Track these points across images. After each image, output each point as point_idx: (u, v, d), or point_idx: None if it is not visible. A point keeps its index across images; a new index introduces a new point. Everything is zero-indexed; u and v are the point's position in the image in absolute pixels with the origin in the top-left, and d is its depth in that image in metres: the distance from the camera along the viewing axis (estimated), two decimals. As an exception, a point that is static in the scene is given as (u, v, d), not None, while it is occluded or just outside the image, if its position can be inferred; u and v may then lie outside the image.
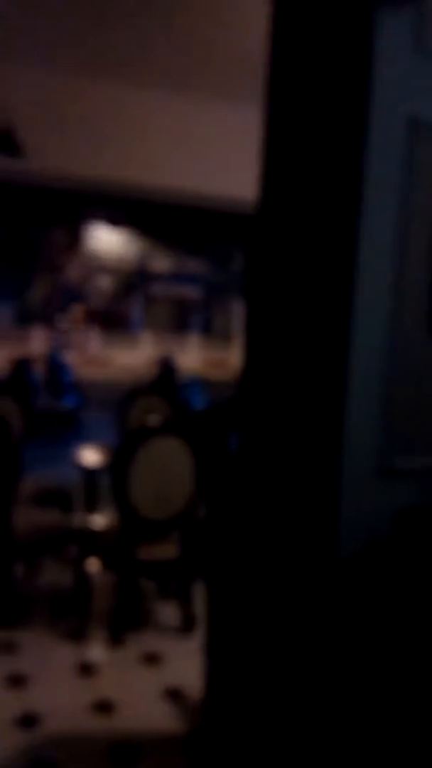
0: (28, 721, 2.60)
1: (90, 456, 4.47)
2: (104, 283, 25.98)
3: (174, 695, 2.85)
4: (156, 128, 4.46)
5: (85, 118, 4.20)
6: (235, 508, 2.26)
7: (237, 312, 27.04)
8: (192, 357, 20.12)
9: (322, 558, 1.87)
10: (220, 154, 4.58)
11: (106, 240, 22.01)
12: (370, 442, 1.85)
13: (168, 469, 3.25)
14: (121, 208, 5.43)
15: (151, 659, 3.14)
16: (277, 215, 2.11)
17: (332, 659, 1.88)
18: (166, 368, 11.22)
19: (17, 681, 2.88)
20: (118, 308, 26.97)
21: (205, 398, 10.03)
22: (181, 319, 26.20)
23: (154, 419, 4.06)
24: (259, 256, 2.14)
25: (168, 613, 3.57)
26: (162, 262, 24.64)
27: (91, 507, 4.38)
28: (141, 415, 4.73)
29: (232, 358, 21.62)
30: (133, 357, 21.23)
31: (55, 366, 10.58)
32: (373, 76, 1.74)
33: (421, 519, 1.87)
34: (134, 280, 26.05)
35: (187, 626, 3.38)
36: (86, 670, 3.01)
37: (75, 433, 9.76)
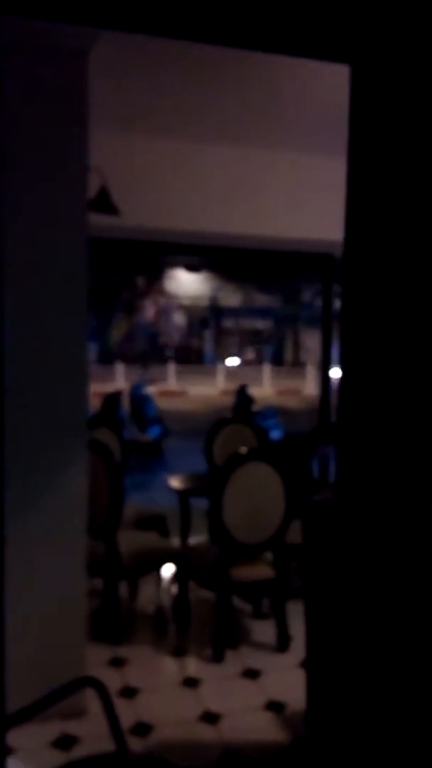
0: (142, 729, 2.74)
1: (182, 483, 4.65)
2: (179, 320, 26.62)
3: (275, 708, 2.92)
4: (230, 180, 4.70)
5: (168, 175, 4.49)
6: (332, 531, 2.35)
7: (306, 343, 27.06)
8: (265, 387, 20.24)
9: (416, 579, 1.93)
10: (289, 200, 4.76)
11: (182, 280, 22.63)
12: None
13: (260, 494, 3.37)
14: (197, 254, 5.65)
15: (251, 674, 3.22)
16: (366, 253, 2.21)
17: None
18: (243, 397, 11.38)
19: (129, 693, 3.03)
20: (192, 343, 27.51)
21: (281, 426, 10.11)
22: (253, 351, 26.42)
23: (245, 447, 4.19)
24: (352, 290, 2.25)
25: (262, 631, 3.65)
26: (234, 298, 25.03)
27: (186, 530, 4.54)
28: (227, 443, 4.88)
29: (303, 386, 21.64)
30: (207, 388, 21.56)
31: (139, 399, 10.93)
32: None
33: None
34: (207, 315, 26.56)
35: (282, 644, 3.45)
36: (191, 684, 3.13)
37: (159, 461, 10.03)
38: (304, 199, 4.68)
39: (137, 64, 3.42)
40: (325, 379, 5.29)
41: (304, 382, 21.88)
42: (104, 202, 3.83)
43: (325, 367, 5.32)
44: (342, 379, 2.32)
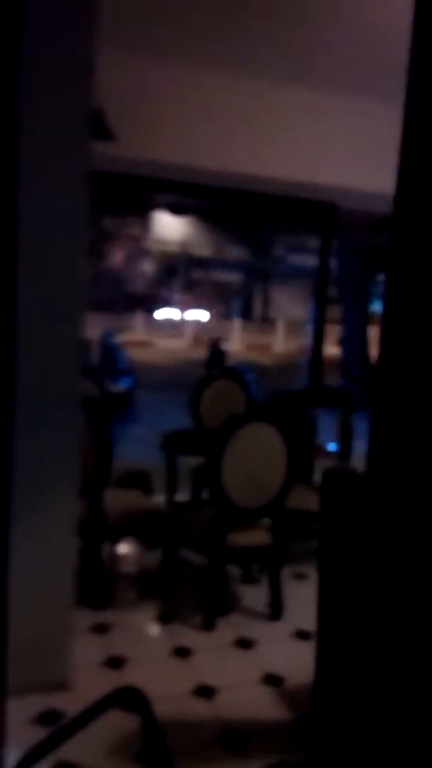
0: (141, 701, 2.55)
1: (167, 440, 4.41)
2: (147, 268, 25.94)
3: (272, 681, 2.78)
4: (229, 113, 4.29)
5: (162, 102, 4.08)
6: (356, 504, 2.15)
7: (276, 298, 26.78)
8: (234, 342, 20.00)
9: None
10: (293, 140, 4.40)
11: (153, 225, 21.89)
12: None
13: (260, 457, 3.15)
14: (188, 193, 5.26)
15: (244, 644, 3.07)
16: (423, 207, 1.95)
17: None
18: (216, 352, 11.13)
19: (116, 663, 2.84)
20: (159, 292, 26.94)
21: (258, 383, 9.92)
22: (222, 304, 26.03)
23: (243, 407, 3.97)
24: (403, 250, 1.99)
25: (253, 597, 3.50)
26: (206, 249, 24.45)
27: (173, 490, 4.33)
28: (215, 400, 4.65)
29: (273, 343, 21.46)
30: (176, 340, 21.20)
31: (109, 349, 10.57)
32: None
33: None
34: (176, 264, 25.94)
35: (275, 612, 3.30)
36: (182, 654, 2.95)
37: (130, 413, 9.77)
38: (310, 141, 4.33)
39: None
40: (318, 338, 5.06)
41: (273, 338, 21.70)
42: (98, 126, 3.43)
43: (319, 327, 5.08)
44: (382, 347, 2.09)
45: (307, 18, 3.33)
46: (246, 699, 2.65)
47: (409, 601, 1.94)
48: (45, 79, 2.30)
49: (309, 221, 4.93)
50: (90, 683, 2.64)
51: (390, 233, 2.00)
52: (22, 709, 2.42)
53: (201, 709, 2.57)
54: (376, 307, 13.71)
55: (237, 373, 5.60)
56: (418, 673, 1.91)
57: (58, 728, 1.52)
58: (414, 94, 1.94)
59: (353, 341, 11.55)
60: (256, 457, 3.14)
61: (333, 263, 10.96)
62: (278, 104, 4.26)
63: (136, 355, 13.86)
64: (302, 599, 3.42)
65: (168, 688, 2.68)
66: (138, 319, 21.50)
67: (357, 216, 6.00)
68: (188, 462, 4.47)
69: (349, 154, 4.26)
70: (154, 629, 3.18)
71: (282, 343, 21.02)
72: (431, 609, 1.87)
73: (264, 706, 2.62)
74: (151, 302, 25.00)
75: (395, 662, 1.99)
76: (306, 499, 3.67)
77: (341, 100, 4.18)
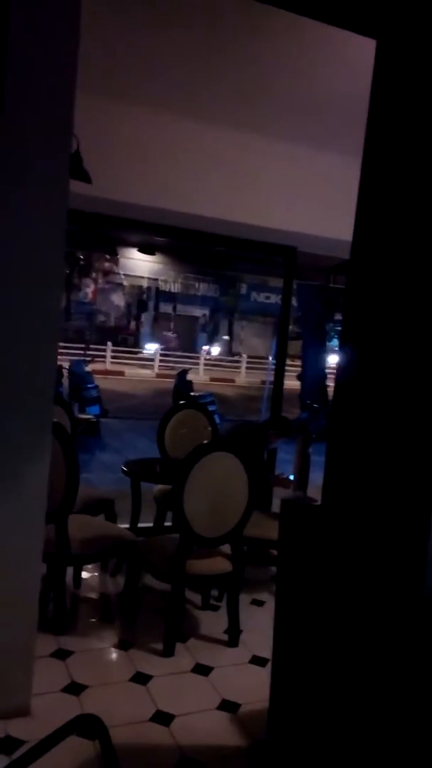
0: (101, 728, 2.46)
1: (133, 467, 4.36)
2: (118, 301, 25.95)
3: (229, 708, 2.72)
4: (201, 160, 4.38)
5: (139, 147, 4.14)
6: (313, 534, 2.16)
7: (240, 334, 27.01)
8: (200, 374, 20.03)
9: (407, 591, 1.77)
10: (260, 188, 4.51)
11: (125, 261, 21.99)
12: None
13: (223, 486, 3.14)
14: (158, 234, 5.31)
15: (202, 671, 3.00)
16: (376, 255, 2.01)
17: (412, 684, 1.77)
18: (183, 382, 11.13)
19: (75, 689, 2.75)
20: (130, 325, 26.93)
21: (220, 413, 9.93)
22: (189, 338, 26.14)
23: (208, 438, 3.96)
24: (358, 292, 2.05)
25: (211, 624, 3.45)
26: (174, 284, 24.61)
27: (137, 517, 4.27)
28: (179, 429, 4.63)
29: (237, 376, 21.57)
30: (144, 371, 21.14)
31: (79, 377, 10.48)
32: None
33: None
34: (146, 298, 26.03)
35: (233, 638, 3.25)
36: (141, 680, 2.87)
37: (97, 441, 9.65)
38: (274, 188, 4.44)
39: (127, 24, 3.08)
40: (279, 372, 5.11)
41: (237, 372, 21.83)
42: (76, 168, 3.46)
43: (279, 361, 5.13)
44: (338, 381, 2.12)
45: (274, 72, 3.45)
46: (203, 725, 2.59)
47: (361, 626, 1.94)
48: (28, 122, 2.32)
49: (272, 263, 5.02)
50: (50, 709, 2.55)
51: (347, 276, 2.05)
52: (-21, 737, 2.32)
53: (159, 735, 2.50)
54: (334, 343, 13.98)
55: (202, 404, 5.61)
56: (372, 697, 1.90)
57: (19, 756, 1.46)
58: (370, 149, 2.02)
59: (312, 375, 11.73)
60: (218, 486, 3.13)
61: (295, 302, 11.18)
62: (245, 152, 4.37)
63: (105, 384, 13.76)
64: (259, 625, 3.39)
65: (126, 715, 2.61)
66: (108, 349, 21.41)
67: (317, 259, 6.14)
68: (153, 489, 4.42)
69: (310, 202, 4.38)
70: (114, 655, 3.10)
71: (245, 376, 21.15)
72: (382, 633, 1.87)
73: (221, 732, 2.57)
74: (120, 334, 24.96)
75: (349, 687, 1.98)
76: (264, 527, 3.66)
77: (304, 150, 4.31)
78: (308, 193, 4.46)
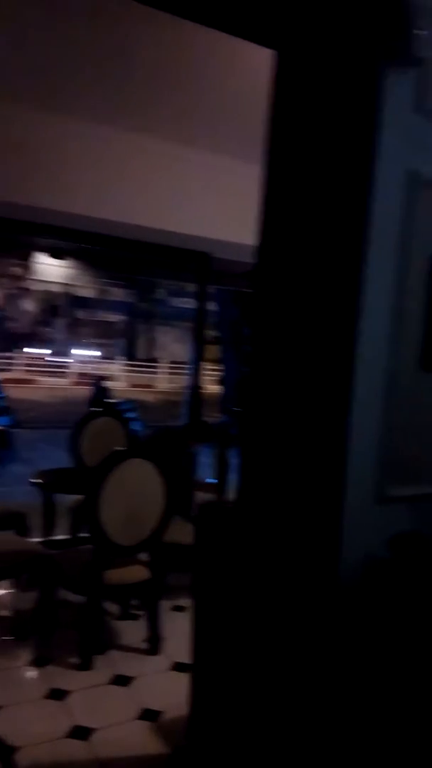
0: (5, 751, 2.41)
1: (46, 478, 4.29)
2: (29, 306, 25.26)
3: (150, 716, 2.73)
4: (109, 163, 4.38)
5: (43, 151, 4.10)
6: (227, 536, 2.21)
7: (159, 339, 26.98)
8: (118, 380, 19.83)
9: (323, 580, 1.86)
10: (169, 192, 4.56)
11: (36, 266, 21.44)
12: (369, 471, 1.86)
13: (138, 493, 3.15)
14: (63, 238, 5.25)
15: (122, 681, 3.00)
16: (279, 259, 2.10)
17: (328, 677, 1.86)
18: (100, 389, 10.99)
19: (-13, 711, 2.67)
20: (42, 331, 26.29)
21: (139, 419, 9.88)
22: (107, 344, 25.80)
23: (123, 444, 3.95)
24: (263, 298, 2.13)
25: (131, 633, 3.44)
26: (88, 290, 24.25)
27: (50, 529, 4.19)
28: (96, 438, 4.59)
29: (156, 382, 21.51)
30: (58, 379, 20.67)
31: (-12, 387, 10.11)
32: (379, 134, 1.78)
33: (415, 543, 1.90)
34: (59, 303, 25.49)
35: (153, 646, 3.26)
36: (57, 696, 2.83)
37: (8, 452, 9.34)
38: (184, 194, 4.51)
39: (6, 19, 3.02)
40: (196, 377, 5.17)
41: (159, 377, 21.78)
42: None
43: (196, 366, 5.20)
44: (248, 386, 2.19)
45: (181, 80, 3.51)
46: (122, 737, 2.59)
47: (277, 622, 2.01)
48: None
49: (185, 268, 5.08)
50: (-42, 736, 2.46)
51: (252, 282, 2.13)
52: None
53: (76, 751, 2.47)
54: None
55: (118, 411, 5.58)
56: (289, 699, 1.97)
57: None
58: (270, 157, 2.12)
59: (232, 379, 11.90)
60: (134, 494, 3.14)
61: (215, 306, 11.32)
62: (155, 158, 4.41)
63: (17, 393, 13.36)
64: (181, 632, 3.40)
65: (41, 733, 2.56)
66: (19, 357, 20.77)
67: (231, 265, 6.27)
68: (67, 500, 4.35)
69: (220, 209, 4.48)
70: (29, 673, 3.03)
71: (165, 381, 21.14)
72: (299, 628, 1.95)
73: (141, 742, 2.57)
74: (32, 340, 24.30)
75: (267, 690, 2.04)
76: (185, 533, 3.68)
77: (212, 157, 4.41)
78: (221, 200, 4.56)
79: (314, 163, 1.99)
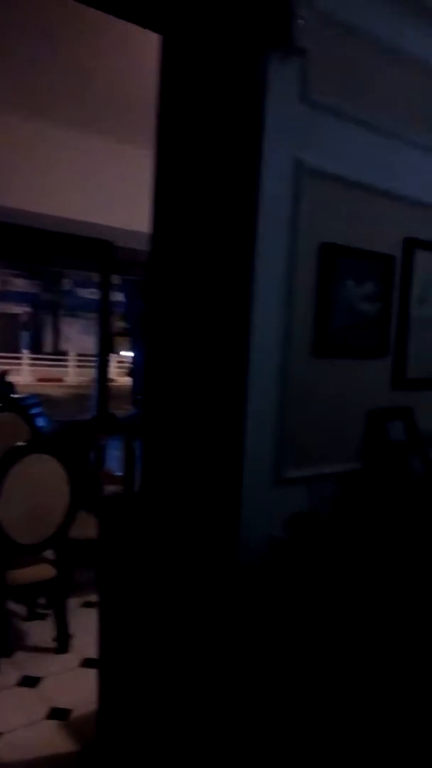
0: None
1: None
2: None
3: (59, 715, 2.69)
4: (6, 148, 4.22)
5: None
6: (131, 527, 2.21)
7: (66, 331, 26.31)
8: (24, 374, 19.19)
9: (223, 562, 1.90)
10: (70, 179, 4.46)
11: None
12: (266, 454, 1.91)
13: (41, 489, 3.08)
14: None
15: (29, 682, 2.93)
16: (173, 247, 2.10)
17: (231, 659, 1.90)
18: (2, 384, 10.58)
19: None
20: None
21: (45, 414, 9.60)
22: (10, 337, 24.82)
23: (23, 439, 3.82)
24: (157, 287, 2.12)
25: (38, 633, 3.37)
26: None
27: None
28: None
29: (65, 375, 20.99)
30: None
31: None
32: (264, 121, 1.81)
33: (311, 523, 1.97)
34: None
35: (62, 645, 3.21)
36: (-39, 704, 2.73)
37: None
38: (83, 181, 4.41)
39: None
40: (103, 369, 5.10)
41: (65, 370, 21.26)
42: None
43: (102, 358, 5.12)
44: (147, 376, 2.18)
45: (75, 63, 3.42)
46: (31, 738, 2.54)
47: (180, 611, 2.03)
48: None
49: (89, 257, 4.98)
50: None
51: (147, 270, 2.12)
52: None
53: (-19, 759, 2.40)
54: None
55: (22, 406, 5.40)
56: (195, 684, 2.00)
57: None
58: (159, 144, 2.11)
59: (141, 370, 11.81)
60: (37, 490, 3.06)
61: (123, 297, 11.16)
62: (55, 144, 4.28)
63: None
64: (90, 628, 3.35)
65: None
66: None
67: (136, 254, 6.21)
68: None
69: (121, 196, 4.41)
70: None
71: (74, 375, 20.68)
72: (199, 616, 1.97)
73: (50, 741, 2.53)
74: None
75: (173, 679, 2.06)
76: (92, 527, 3.64)
77: (113, 145, 4.34)
78: (122, 187, 4.50)
79: (203, 150, 2.00)
